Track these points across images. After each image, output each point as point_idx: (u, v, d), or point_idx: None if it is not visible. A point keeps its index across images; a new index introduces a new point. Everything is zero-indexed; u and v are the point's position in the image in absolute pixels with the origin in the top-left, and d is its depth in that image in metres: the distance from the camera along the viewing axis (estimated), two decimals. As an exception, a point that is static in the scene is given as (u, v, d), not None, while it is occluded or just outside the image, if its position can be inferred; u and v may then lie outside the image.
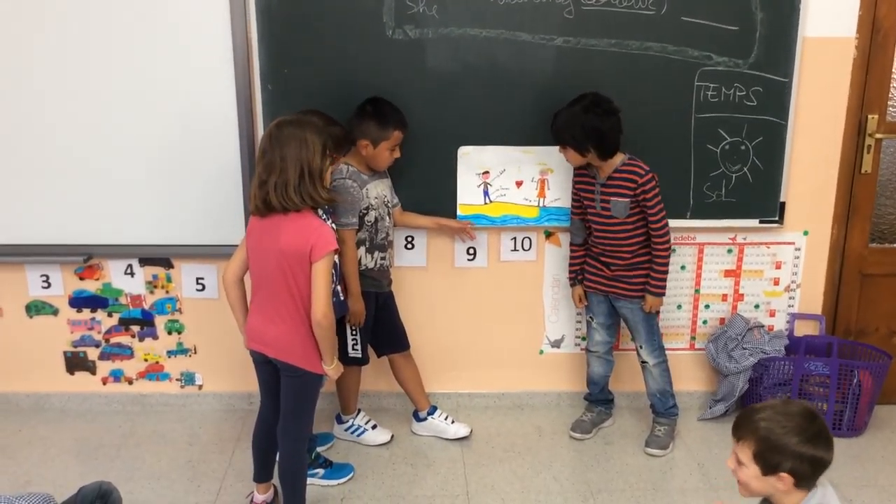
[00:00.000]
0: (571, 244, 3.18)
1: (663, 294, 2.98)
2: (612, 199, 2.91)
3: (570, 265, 3.20)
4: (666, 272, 2.95)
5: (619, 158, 2.90)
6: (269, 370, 2.52)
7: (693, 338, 3.43)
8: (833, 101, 3.15)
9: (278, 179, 2.32)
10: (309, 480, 2.70)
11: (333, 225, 2.67)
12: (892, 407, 3.43)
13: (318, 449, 3.00)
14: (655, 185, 2.86)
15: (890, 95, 3.19)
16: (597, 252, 3.06)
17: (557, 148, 2.94)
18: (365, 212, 2.86)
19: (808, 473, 1.78)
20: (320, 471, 2.90)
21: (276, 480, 2.66)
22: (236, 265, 2.52)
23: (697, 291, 3.36)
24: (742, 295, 3.37)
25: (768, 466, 1.79)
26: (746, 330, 3.28)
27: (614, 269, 3.00)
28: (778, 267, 3.34)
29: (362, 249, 2.90)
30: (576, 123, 2.81)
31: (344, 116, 2.78)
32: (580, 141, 2.82)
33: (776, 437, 1.78)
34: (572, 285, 3.22)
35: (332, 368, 2.48)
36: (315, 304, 2.36)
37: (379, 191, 2.91)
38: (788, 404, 1.84)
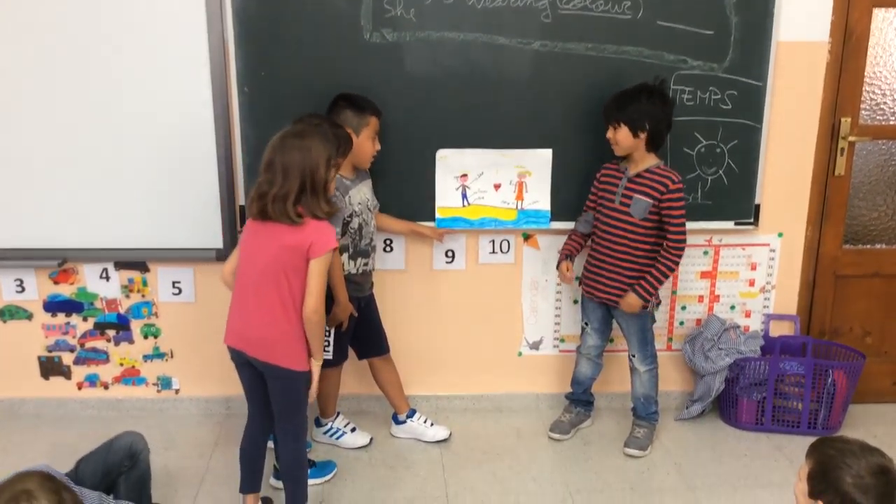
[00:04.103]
0: (574, 230, 3.14)
1: (647, 300, 2.93)
2: (634, 195, 2.89)
3: (566, 245, 3.14)
4: (663, 281, 2.92)
5: (654, 161, 2.90)
6: (252, 373, 2.49)
7: (670, 339, 3.45)
8: (807, 105, 3.19)
9: (278, 191, 2.27)
10: None
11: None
12: (866, 406, 3.47)
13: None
14: (682, 197, 2.87)
15: (862, 99, 3.23)
16: (600, 256, 3.02)
17: (607, 131, 2.88)
18: (349, 219, 2.84)
19: None
20: None
21: (264, 492, 2.67)
22: (234, 262, 2.50)
23: (674, 293, 3.39)
24: (718, 296, 3.40)
25: (814, 490, 1.82)
26: (722, 331, 3.31)
27: (614, 272, 2.97)
28: (753, 268, 3.37)
29: (345, 256, 2.88)
30: (638, 103, 2.82)
31: (321, 119, 2.77)
32: (638, 121, 2.82)
33: (832, 467, 1.79)
34: (560, 260, 3.14)
35: (316, 365, 2.46)
36: (307, 299, 2.34)
37: (362, 195, 2.90)
38: (868, 449, 1.83)
